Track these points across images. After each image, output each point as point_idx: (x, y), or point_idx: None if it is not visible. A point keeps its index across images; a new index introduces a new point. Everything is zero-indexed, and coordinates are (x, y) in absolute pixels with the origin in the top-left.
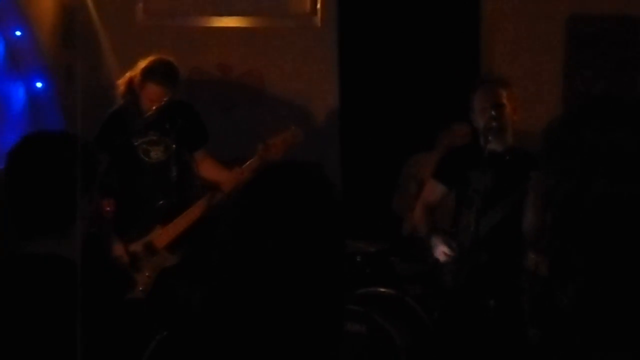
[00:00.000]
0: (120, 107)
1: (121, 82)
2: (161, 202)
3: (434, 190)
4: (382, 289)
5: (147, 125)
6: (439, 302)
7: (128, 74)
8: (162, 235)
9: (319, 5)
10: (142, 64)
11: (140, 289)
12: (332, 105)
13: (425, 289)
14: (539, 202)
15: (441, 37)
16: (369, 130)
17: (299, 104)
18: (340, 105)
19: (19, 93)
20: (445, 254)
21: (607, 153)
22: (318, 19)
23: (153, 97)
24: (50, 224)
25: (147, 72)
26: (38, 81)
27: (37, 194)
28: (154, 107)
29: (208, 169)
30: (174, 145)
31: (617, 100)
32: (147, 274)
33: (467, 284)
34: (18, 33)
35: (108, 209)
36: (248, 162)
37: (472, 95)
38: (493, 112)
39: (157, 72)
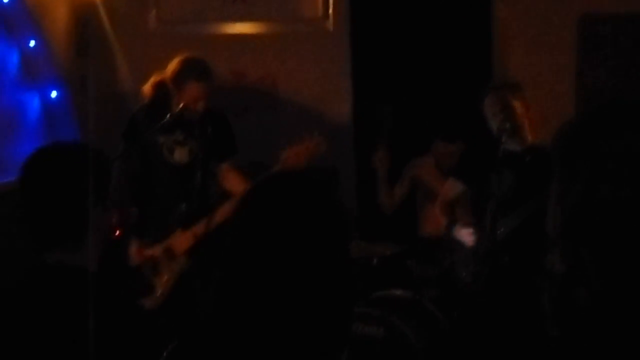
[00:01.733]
0: (149, 104)
1: (147, 87)
2: (183, 206)
3: (453, 188)
4: (399, 292)
5: (176, 124)
6: (457, 304)
7: (154, 78)
8: (182, 240)
9: (330, 10)
10: (174, 65)
11: (159, 293)
12: (346, 109)
13: (442, 292)
14: (558, 207)
15: (454, 39)
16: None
17: (313, 109)
18: (354, 109)
19: (33, 103)
20: (470, 235)
21: (615, 157)
22: (330, 22)
23: (196, 95)
24: (65, 235)
25: (188, 70)
26: (53, 90)
27: (52, 206)
28: (198, 106)
29: (232, 181)
30: (199, 151)
31: (627, 105)
32: (165, 278)
33: (487, 287)
34: (32, 43)
35: (129, 218)
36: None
37: (483, 103)
38: (502, 115)
39: (198, 70)
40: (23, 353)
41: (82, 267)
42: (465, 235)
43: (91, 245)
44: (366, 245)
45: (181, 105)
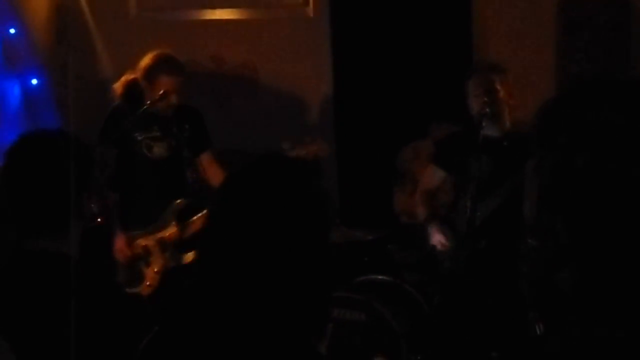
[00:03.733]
0: (123, 103)
1: (119, 85)
2: (178, 200)
3: (433, 175)
4: (380, 277)
5: (152, 121)
6: (437, 289)
7: (125, 77)
8: (175, 234)
9: None
10: (146, 61)
11: (148, 283)
12: (326, 95)
13: (423, 276)
14: (535, 190)
15: (433, 26)
16: (363, 120)
17: (293, 95)
18: (334, 95)
19: (14, 90)
20: (441, 243)
21: (592, 129)
22: (310, 9)
23: (169, 88)
24: (48, 222)
25: (160, 65)
26: (33, 78)
27: (34, 194)
28: (171, 100)
29: (214, 172)
30: (177, 145)
31: (605, 82)
32: (155, 269)
33: (466, 270)
34: (12, 31)
35: (109, 205)
36: None
37: (466, 83)
38: (485, 98)
39: (170, 64)
40: (5, 338)
41: (64, 254)
42: (437, 241)
43: (74, 232)
44: (347, 231)
45: (152, 100)
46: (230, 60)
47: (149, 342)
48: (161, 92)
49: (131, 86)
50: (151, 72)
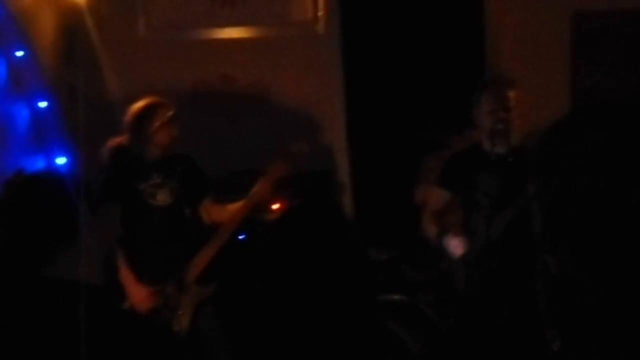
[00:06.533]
0: (119, 159)
1: (105, 150)
2: (181, 242)
3: (440, 197)
4: (396, 297)
5: (149, 169)
6: (452, 309)
7: (111, 142)
8: (190, 271)
9: (320, 12)
10: (139, 109)
11: (177, 328)
12: (338, 112)
13: (437, 296)
14: (539, 213)
15: (446, 37)
16: (377, 136)
17: (305, 113)
18: (346, 112)
19: (22, 113)
20: (459, 246)
21: (592, 153)
22: (320, 26)
23: (165, 121)
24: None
25: (156, 102)
26: (41, 101)
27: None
28: (174, 130)
29: (216, 213)
30: (179, 188)
31: (602, 106)
32: (180, 312)
33: (480, 289)
34: (19, 53)
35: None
36: (252, 191)
37: (480, 96)
38: (502, 115)
39: (164, 101)
40: None
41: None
42: (454, 246)
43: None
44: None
45: (155, 129)
46: (240, 79)
47: None
48: (169, 114)
49: (119, 149)
50: (144, 115)
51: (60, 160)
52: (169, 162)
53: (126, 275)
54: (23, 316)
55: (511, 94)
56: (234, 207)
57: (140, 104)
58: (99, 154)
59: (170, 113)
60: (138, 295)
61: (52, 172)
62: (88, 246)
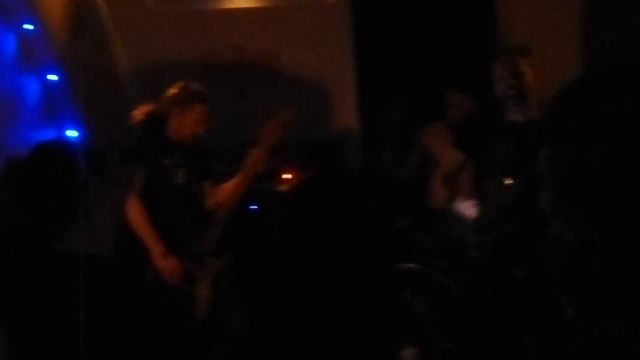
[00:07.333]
0: (143, 131)
1: (138, 113)
2: (195, 218)
3: (454, 158)
4: (409, 266)
5: (173, 149)
6: (465, 276)
7: (145, 107)
8: (205, 245)
9: None
10: (178, 90)
11: (201, 301)
12: (348, 81)
13: (450, 263)
14: (551, 182)
15: (457, 9)
16: (387, 106)
17: (315, 83)
18: (358, 80)
19: (32, 87)
20: (471, 209)
21: (605, 119)
22: None
23: (201, 117)
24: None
25: (196, 94)
26: (51, 74)
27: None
28: (200, 129)
29: (217, 194)
30: (190, 174)
31: (615, 70)
32: (202, 285)
33: (493, 256)
34: (29, 27)
35: None
36: (246, 163)
37: (492, 67)
38: (511, 81)
39: (204, 94)
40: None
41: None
42: (466, 208)
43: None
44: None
45: (183, 127)
46: (250, 50)
47: None
48: (205, 113)
49: (151, 116)
50: (186, 101)
51: (72, 133)
52: (186, 145)
53: (157, 245)
54: (35, 288)
55: (522, 60)
56: (231, 184)
57: (185, 88)
58: (127, 119)
59: (206, 112)
60: (170, 265)
61: (63, 143)
62: (100, 220)
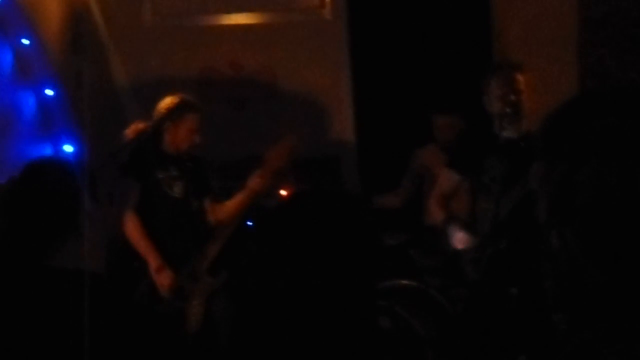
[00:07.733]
0: (142, 144)
1: (130, 131)
2: (191, 233)
3: (449, 179)
4: (405, 282)
5: (168, 162)
6: (461, 293)
7: (135, 125)
8: (201, 261)
9: None
10: (169, 102)
11: (193, 318)
12: (345, 97)
13: (446, 280)
14: (544, 199)
15: (452, 23)
16: (384, 122)
17: (312, 99)
18: (354, 97)
19: (29, 101)
20: (463, 240)
21: (597, 138)
22: (327, 11)
23: (194, 127)
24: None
25: (185, 104)
26: (48, 88)
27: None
28: (195, 138)
29: (217, 211)
30: (188, 186)
31: (608, 90)
32: (194, 302)
33: (488, 272)
34: (26, 41)
35: None
36: (249, 183)
37: (489, 81)
38: (512, 98)
39: (193, 103)
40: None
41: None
42: (458, 240)
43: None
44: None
45: (178, 139)
46: (247, 65)
47: None
48: (197, 121)
49: (142, 133)
50: (176, 113)
51: (68, 148)
52: (183, 158)
53: (154, 258)
54: (27, 305)
55: (520, 77)
56: (232, 202)
57: (174, 100)
58: (119, 137)
59: (199, 120)
60: (165, 278)
61: (58, 160)
62: (91, 235)
